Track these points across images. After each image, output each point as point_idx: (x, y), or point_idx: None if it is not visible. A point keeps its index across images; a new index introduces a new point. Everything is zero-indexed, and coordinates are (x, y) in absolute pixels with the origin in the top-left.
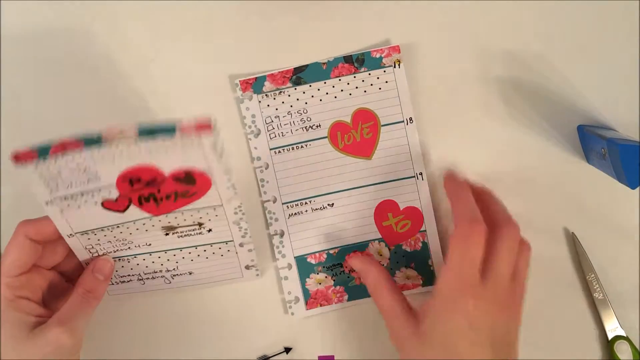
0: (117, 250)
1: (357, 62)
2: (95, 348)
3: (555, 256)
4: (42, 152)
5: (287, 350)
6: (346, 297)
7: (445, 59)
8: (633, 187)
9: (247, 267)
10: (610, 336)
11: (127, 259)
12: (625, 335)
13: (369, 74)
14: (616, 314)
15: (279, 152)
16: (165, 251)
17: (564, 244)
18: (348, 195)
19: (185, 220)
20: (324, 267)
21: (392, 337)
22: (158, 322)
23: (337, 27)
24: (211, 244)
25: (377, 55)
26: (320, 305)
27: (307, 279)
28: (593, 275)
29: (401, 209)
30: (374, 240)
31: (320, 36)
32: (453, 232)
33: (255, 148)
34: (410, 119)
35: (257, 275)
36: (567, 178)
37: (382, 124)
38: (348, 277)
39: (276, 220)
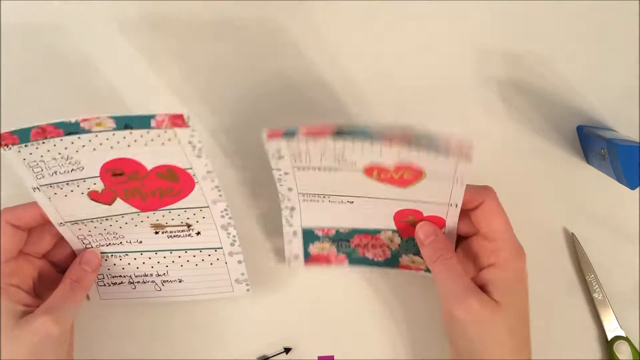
0: (110, 243)
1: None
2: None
3: (555, 256)
4: (23, 136)
5: (287, 350)
6: (346, 262)
7: (446, 59)
8: (633, 188)
9: (237, 281)
10: (609, 336)
11: (119, 256)
12: (624, 335)
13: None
14: (616, 314)
15: (303, 169)
16: (156, 252)
17: (564, 244)
18: (371, 202)
19: (173, 219)
20: (329, 239)
21: (460, 310)
22: (152, 323)
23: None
24: (200, 250)
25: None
26: (319, 263)
27: (311, 245)
28: (593, 276)
29: (424, 215)
30: (388, 229)
31: None
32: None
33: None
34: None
35: (248, 290)
36: (567, 178)
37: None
38: (353, 250)
39: (288, 199)
